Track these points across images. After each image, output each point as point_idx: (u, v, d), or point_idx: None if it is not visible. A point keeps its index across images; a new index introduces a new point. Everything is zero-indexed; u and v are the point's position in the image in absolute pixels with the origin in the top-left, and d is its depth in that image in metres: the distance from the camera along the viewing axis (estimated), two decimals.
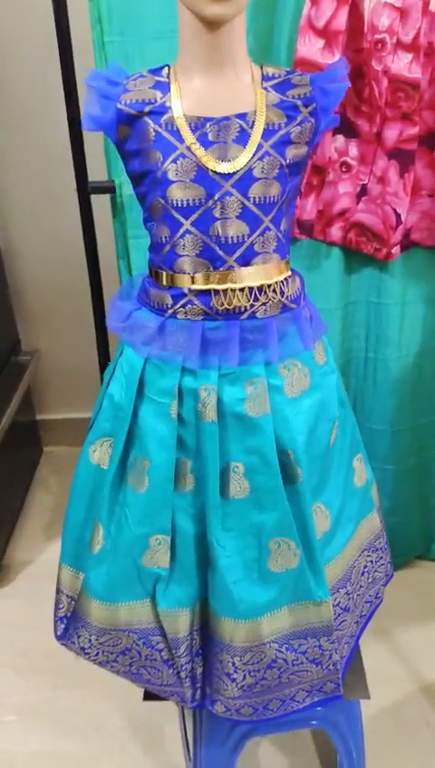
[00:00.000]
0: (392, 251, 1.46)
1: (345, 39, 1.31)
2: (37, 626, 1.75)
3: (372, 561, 1.21)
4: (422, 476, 1.81)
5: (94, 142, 1.44)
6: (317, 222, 1.48)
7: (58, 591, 1.16)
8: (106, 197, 1.50)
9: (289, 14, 1.33)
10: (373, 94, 1.34)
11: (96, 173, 1.49)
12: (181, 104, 0.92)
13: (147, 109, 0.92)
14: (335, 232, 1.49)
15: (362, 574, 1.19)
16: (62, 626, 1.16)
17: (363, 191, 1.45)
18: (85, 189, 1.48)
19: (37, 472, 2.37)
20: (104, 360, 1.68)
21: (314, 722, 1.25)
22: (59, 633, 1.17)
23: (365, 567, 1.19)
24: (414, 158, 1.38)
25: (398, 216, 1.42)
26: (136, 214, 1.47)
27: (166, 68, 0.96)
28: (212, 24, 0.88)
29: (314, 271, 1.50)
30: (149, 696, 1.26)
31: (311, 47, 1.32)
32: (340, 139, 1.42)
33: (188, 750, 1.37)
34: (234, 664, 1.07)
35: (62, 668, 1.63)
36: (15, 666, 1.66)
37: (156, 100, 0.92)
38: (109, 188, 1.47)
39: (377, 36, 1.30)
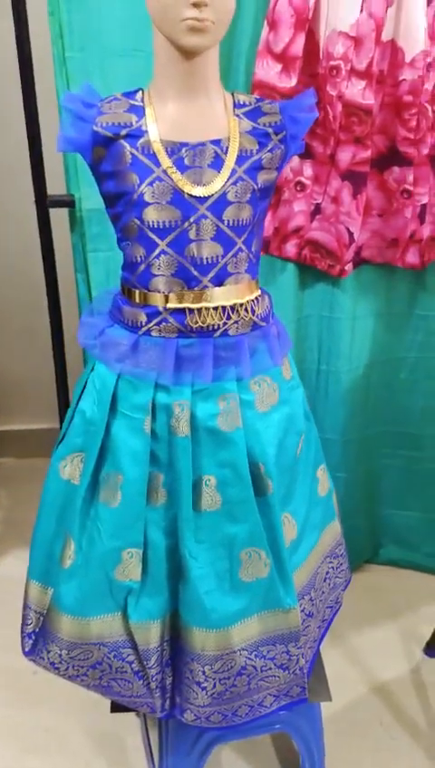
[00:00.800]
0: (346, 267, 1.52)
1: (302, 64, 1.37)
2: None
3: (333, 568, 1.25)
4: (371, 484, 1.88)
5: (52, 157, 1.45)
6: (273, 238, 1.52)
7: (25, 607, 1.16)
8: (62, 211, 1.51)
9: (247, 39, 1.37)
10: (328, 118, 1.40)
11: (52, 187, 1.49)
12: (157, 128, 0.94)
13: (123, 132, 0.94)
14: (290, 248, 1.54)
15: (325, 580, 1.23)
16: (30, 641, 1.16)
17: (317, 210, 1.51)
18: (44, 203, 1.48)
19: None
20: (61, 372, 1.67)
21: (277, 726, 1.29)
22: (27, 649, 1.16)
23: (327, 573, 1.24)
24: (366, 180, 1.44)
25: (350, 234, 1.48)
26: (95, 228, 1.48)
27: (139, 92, 0.98)
28: (188, 53, 0.91)
29: (270, 286, 1.54)
30: (116, 707, 1.27)
31: (269, 71, 1.37)
32: (295, 159, 1.47)
33: (153, 761, 1.38)
34: (204, 672, 1.09)
35: (18, 685, 1.61)
36: None
37: (132, 124, 0.95)
38: (68, 202, 1.47)
39: (332, 63, 1.36)
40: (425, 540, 1.94)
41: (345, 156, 1.43)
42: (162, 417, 1.02)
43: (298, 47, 1.34)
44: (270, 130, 0.99)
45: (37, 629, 1.15)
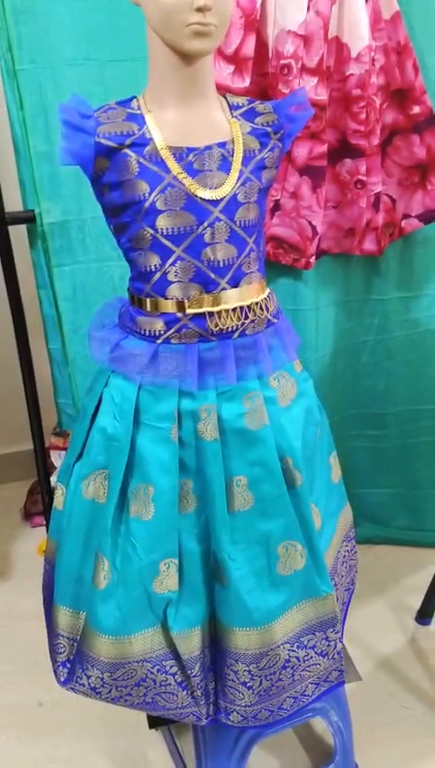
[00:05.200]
0: (311, 260, 1.56)
1: (252, 64, 1.39)
2: None
3: (348, 551, 1.29)
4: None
5: (2, 172, 1.42)
6: None
7: (56, 636, 1.12)
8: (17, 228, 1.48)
9: None
10: None
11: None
12: (162, 135, 0.94)
13: (128, 141, 0.93)
14: None
15: (343, 564, 1.27)
16: (66, 670, 1.12)
17: (276, 206, 1.54)
18: (3, 220, 1.44)
19: None
20: (32, 391, 1.63)
21: (310, 714, 1.31)
22: (62, 678, 1.13)
23: (344, 557, 1.27)
24: (325, 174, 1.48)
25: (313, 227, 1.52)
26: (58, 242, 1.46)
27: (134, 99, 0.97)
28: (189, 58, 0.91)
29: None
30: (154, 723, 1.25)
31: (221, 72, 1.38)
32: None
33: None
34: (250, 671, 1.09)
35: (23, 720, 1.56)
36: None
37: (134, 132, 0.94)
38: (28, 218, 1.44)
39: (283, 62, 1.39)
40: (396, 514, 2.02)
41: (302, 151, 1.47)
42: (188, 423, 1.01)
43: (249, 48, 1.37)
44: (269, 129, 1.00)
45: (72, 656, 1.12)
